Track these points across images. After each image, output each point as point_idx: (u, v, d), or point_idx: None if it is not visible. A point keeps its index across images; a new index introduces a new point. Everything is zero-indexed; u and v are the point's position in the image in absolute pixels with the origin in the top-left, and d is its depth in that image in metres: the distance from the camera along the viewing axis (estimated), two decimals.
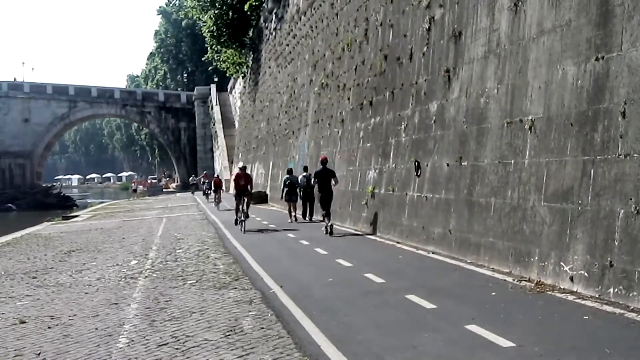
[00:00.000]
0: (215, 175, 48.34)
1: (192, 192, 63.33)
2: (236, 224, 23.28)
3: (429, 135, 15.87)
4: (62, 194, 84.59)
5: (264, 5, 47.01)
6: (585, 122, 9.99)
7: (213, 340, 8.21)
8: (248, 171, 28.63)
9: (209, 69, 76.35)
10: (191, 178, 71.26)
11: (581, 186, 9.93)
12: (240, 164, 24.51)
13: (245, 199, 22.69)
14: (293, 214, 24.92)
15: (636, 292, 8.52)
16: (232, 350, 7.74)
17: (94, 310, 10.53)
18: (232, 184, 22.49)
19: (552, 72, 10.99)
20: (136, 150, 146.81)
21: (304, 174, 25.04)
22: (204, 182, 52.59)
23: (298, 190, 24.74)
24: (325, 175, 20.41)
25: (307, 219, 24.90)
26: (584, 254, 9.64)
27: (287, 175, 25.55)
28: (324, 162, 21.09)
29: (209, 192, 47.10)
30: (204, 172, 62.84)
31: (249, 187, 23.05)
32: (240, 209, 22.81)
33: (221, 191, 39.57)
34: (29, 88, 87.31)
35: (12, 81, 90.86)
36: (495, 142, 12.68)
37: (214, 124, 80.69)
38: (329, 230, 19.36)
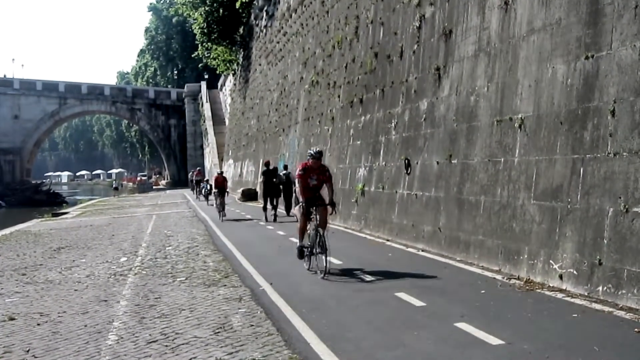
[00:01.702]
0: (217, 171, 32.95)
1: (193, 191, 51.12)
2: (303, 256, 12.88)
3: (419, 133, 15.89)
4: (51, 191, 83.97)
5: (254, 2, 46.93)
6: (575, 121, 10.02)
7: (202, 338, 8.20)
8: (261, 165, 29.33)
9: (200, 66, 76.32)
10: (190, 174, 58.81)
11: (570, 184, 9.96)
12: (314, 148, 13.83)
13: (318, 214, 12.19)
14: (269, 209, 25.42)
15: (625, 290, 8.56)
16: (221, 347, 7.73)
17: (83, 307, 10.49)
18: (298, 185, 12.56)
19: (542, 71, 11.02)
20: (126, 147, 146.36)
21: (284, 172, 26.84)
22: (197, 182, 46.52)
23: (280, 187, 25.94)
24: (269, 175, 25.62)
25: (289, 214, 26.14)
26: (573, 252, 9.67)
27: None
28: (267, 164, 26.97)
29: (207, 192, 38.20)
30: (197, 168, 57.27)
31: (328, 189, 12.51)
32: (310, 231, 12.45)
33: (226, 194, 28.45)
34: (19, 84, 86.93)
35: (2, 77, 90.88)
36: (485, 140, 12.70)
37: (204, 121, 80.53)
38: (274, 218, 24.27)
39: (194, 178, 50.23)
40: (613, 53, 9.33)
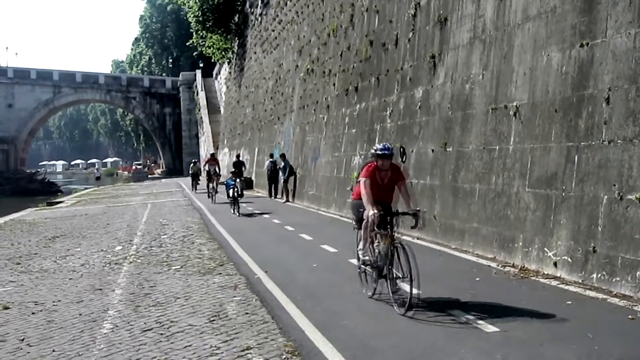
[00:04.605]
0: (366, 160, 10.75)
1: (194, 186, 39.00)
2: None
3: (414, 121, 15.88)
4: (46, 180, 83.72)
5: None
6: (570, 109, 10.02)
7: (197, 326, 8.20)
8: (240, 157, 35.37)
9: (194, 54, 75.97)
10: (192, 165, 41.66)
11: (565, 172, 9.97)
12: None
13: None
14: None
15: (619, 277, 8.59)
16: (216, 335, 7.74)
17: (78, 295, 10.48)
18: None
19: (537, 59, 11.01)
20: (121, 136, 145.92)
21: (270, 160, 30.82)
22: (214, 174, 30.87)
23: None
24: (238, 165, 29.36)
25: (271, 197, 30.30)
26: (567, 240, 9.70)
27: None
28: (238, 156, 34.00)
29: (236, 193, 23.24)
30: (210, 153, 44.14)
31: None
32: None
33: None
34: (13, 73, 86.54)
35: None
36: (480, 128, 12.70)
37: (199, 110, 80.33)
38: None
39: (206, 167, 33.12)
40: (608, 41, 9.32)
